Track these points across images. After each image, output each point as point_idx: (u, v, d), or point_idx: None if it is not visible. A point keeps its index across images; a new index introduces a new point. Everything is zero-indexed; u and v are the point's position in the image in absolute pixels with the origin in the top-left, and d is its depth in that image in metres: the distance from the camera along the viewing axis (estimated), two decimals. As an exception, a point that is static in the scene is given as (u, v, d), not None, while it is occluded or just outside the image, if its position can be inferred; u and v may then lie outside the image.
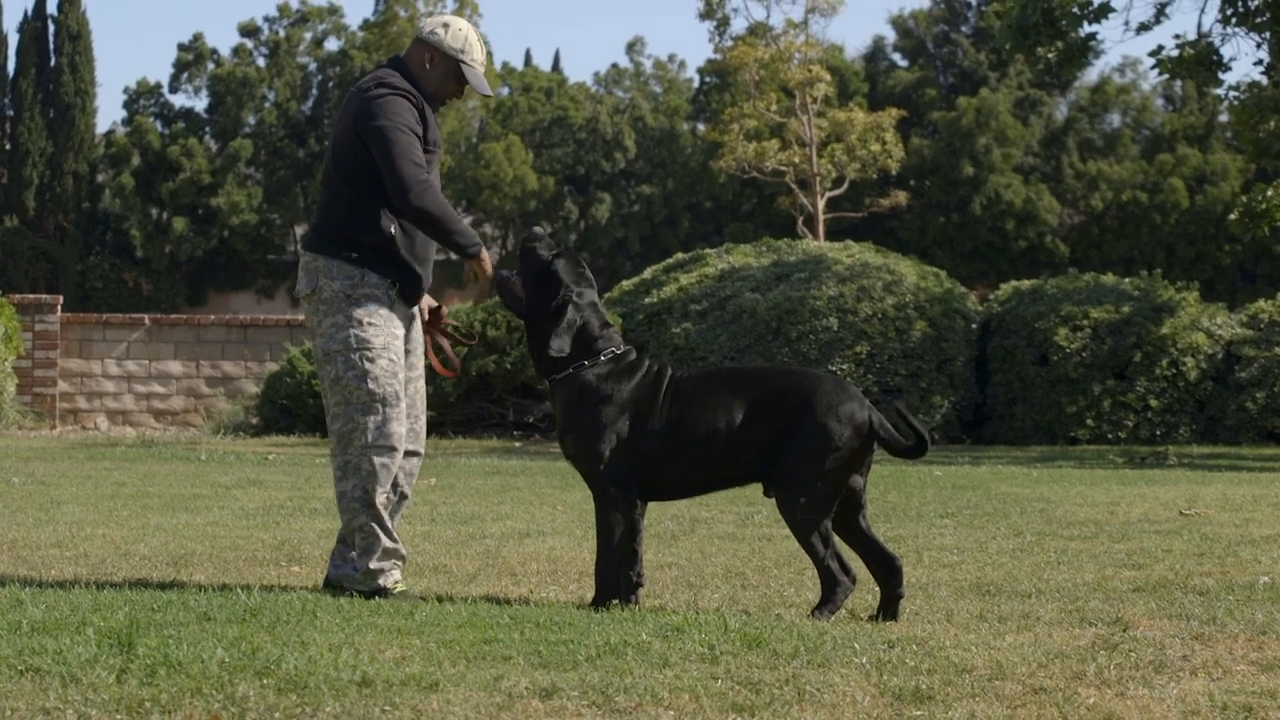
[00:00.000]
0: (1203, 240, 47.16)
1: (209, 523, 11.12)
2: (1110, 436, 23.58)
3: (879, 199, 41.37)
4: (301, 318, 28.70)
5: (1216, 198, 46.55)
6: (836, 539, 7.25)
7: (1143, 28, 25.73)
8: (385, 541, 7.54)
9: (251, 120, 51.17)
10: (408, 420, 7.75)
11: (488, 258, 7.70)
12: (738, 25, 39.77)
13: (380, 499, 7.53)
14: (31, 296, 27.27)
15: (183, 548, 9.55)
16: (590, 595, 7.53)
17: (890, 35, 53.20)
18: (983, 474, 16.65)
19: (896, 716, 5.24)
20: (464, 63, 7.78)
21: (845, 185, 38.75)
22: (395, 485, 7.72)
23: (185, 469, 16.55)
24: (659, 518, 11.40)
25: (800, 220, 38.49)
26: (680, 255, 26.45)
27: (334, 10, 52.05)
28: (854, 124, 38.18)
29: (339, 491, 7.59)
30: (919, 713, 5.27)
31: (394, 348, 7.61)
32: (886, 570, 7.24)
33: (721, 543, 10.19)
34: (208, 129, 50.91)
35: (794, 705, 5.29)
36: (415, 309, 7.89)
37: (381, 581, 7.51)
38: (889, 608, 7.19)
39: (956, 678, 5.68)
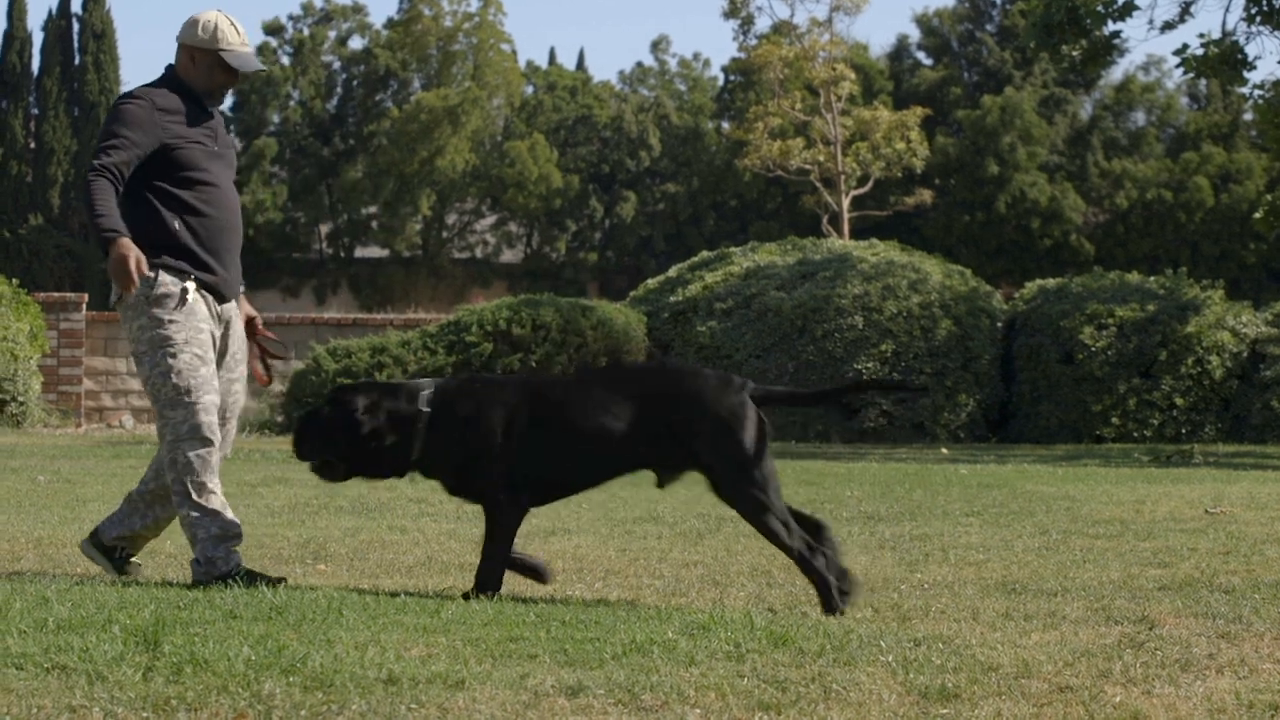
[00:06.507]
0: (1227, 239, 47.08)
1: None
2: (1135, 435, 23.54)
3: (904, 197, 41.35)
4: (327, 316, 28.85)
5: (1241, 196, 46.48)
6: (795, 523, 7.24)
7: (1167, 26, 25.69)
8: (212, 529, 7.63)
9: (276, 119, 51.29)
10: (221, 424, 7.83)
11: (124, 246, 7.53)
12: (762, 24, 39.89)
13: (205, 487, 7.62)
14: (57, 295, 27.33)
15: (208, 545, 9.54)
16: (615, 593, 7.53)
17: (915, 34, 53.27)
18: (1008, 472, 16.61)
19: (922, 715, 5.23)
20: (220, 50, 8.02)
21: (870, 184, 38.72)
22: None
23: (210, 467, 16.55)
24: (684, 516, 11.39)
25: (825, 219, 38.46)
26: (705, 254, 26.43)
27: (358, 9, 52.14)
28: (879, 122, 38.14)
29: (169, 482, 7.72)
30: (945, 711, 5.26)
31: (197, 341, 7.71)
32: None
33: (747, 540, 10.17)
34: (232, 127, 51.00)
35: (820, 703, 5.29)
36: (234, 311, 8.04)
37: (222, 568, 7.62)
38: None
39: (982, 676, 5.67)
